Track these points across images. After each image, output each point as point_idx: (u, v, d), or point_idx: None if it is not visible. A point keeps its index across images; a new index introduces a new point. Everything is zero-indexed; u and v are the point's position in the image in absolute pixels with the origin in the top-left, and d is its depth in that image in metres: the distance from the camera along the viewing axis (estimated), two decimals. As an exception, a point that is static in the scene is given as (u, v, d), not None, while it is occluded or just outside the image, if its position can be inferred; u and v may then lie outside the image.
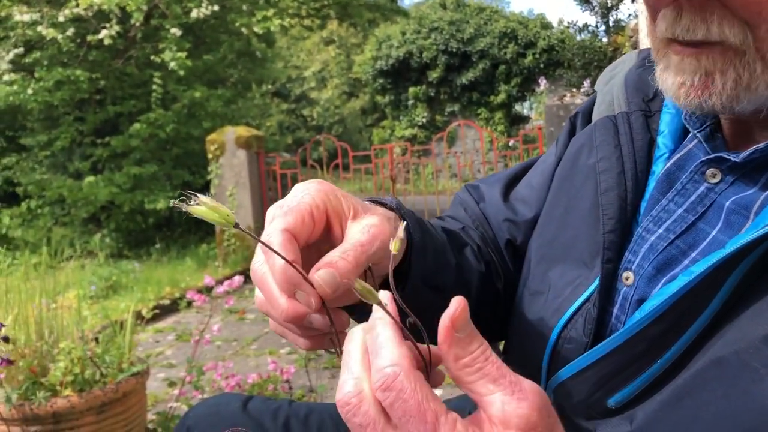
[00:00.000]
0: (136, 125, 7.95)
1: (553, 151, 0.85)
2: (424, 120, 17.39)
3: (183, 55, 7.35)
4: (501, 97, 16.67)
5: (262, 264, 0.55)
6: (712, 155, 0.60)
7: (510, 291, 0.82)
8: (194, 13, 7.70)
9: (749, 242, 0.50)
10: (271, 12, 8.29)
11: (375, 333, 0.45)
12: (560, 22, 16.93)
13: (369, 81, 18.48)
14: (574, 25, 11.90)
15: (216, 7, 7.85)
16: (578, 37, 12.46)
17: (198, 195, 0.51)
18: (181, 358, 4.35)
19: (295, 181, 8.24)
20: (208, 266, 7.22)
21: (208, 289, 2.98)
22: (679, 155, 0.64)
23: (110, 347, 2.66)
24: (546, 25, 17.03)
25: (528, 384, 0.43)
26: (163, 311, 5.45)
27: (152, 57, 7.79)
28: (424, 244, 0.68)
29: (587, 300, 0.65)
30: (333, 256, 0.54)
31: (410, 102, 17.59)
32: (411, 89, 17.43)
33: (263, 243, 0.52)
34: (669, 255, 0.61)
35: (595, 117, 0.76)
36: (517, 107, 17.38)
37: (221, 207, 0.50)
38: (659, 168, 0.67)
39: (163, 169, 8.32)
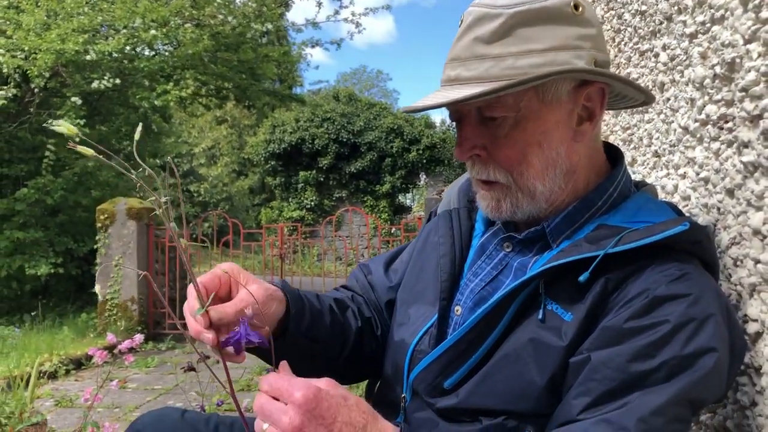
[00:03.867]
0: (24, 190, 7.81)
1: (418, 236, 1.30)
2: (313, 203, 17.87)
3: (81, 123, 7.43)
4: (386, 187, 17.54)
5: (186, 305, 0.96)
6: (506, 234, 1.05)
7: (387, 334, 1.23)
8: (95, 84, 7.83)
9: (514, 286, 0.92)
10: (170, 85, 8.55)
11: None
12: (443, 122, 18.32)
13: (260, 162, 18.81)
14: (455, 127, 13.07)
15: (117, 81, 8.04)
16: (458, 139, 13.64)
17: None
18: (61, 423, 4.32)
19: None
20: (87, 335, 7.08)
21: (111, 347, 3.14)
22: (488, 233, 1.09)
23: (9, 399, 2.78)
24: (430, 125, 18.29)
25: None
26: (40, 378, 5.34)
27: (49, 122, 7.79)
28: (302, 311, 1.07)
29: (431, 325, 1.06)
30: (225, 305, 0.93)
31: (300, 185, 18.05)
32: (302, 173, 17.93)
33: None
34: (482, 295, 1.02)
35: (439, 212, 1.21)
36: (401, 197, 18.30)
37: None
38: (476, 242, 1.11)
39: (47, 235, 8.15)
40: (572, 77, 0.93)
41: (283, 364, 0.89)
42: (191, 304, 0.92)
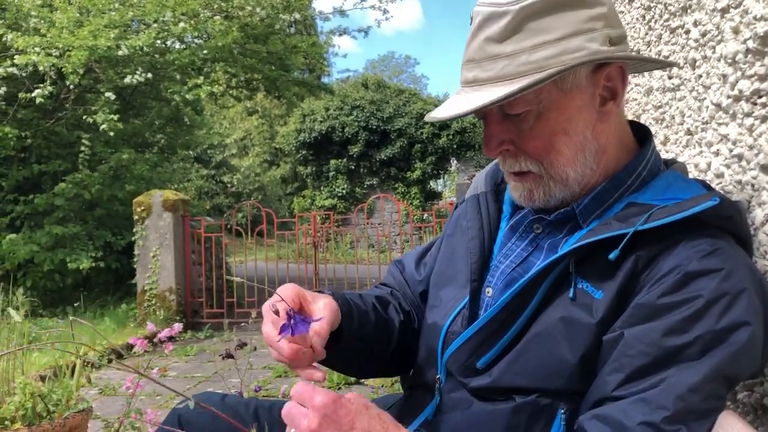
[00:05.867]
0: (62, 185, 7.99)
1: (447, 223, 1.32)
2: (344, 191, 17.94)
3: (115, 117, 7.57)
4: (417, 174, 17.51)
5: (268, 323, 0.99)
6: (536, 216, 1.05)
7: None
8: (128, 79, 7.95)
9: (545, 265, 0.93)
10: (201, 79, 8.65)
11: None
12: (473, 107, 18.16)
13: (291, 151, 18.91)
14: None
15: (149, 75, 8.15)
16: (488, 123, 13.55)
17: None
18: (105, 411, 4.46)
19: (219, 244, 8.45)
20: (127, 326, 7.26)
21: (151, 337, 3.22)
22: (518, 216, 1.09)
23: (56, 387, 2.87)
24: (460, 110, 18.14)
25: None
26: (84, 367, 5.50)
27: (84, 117, 7.96)
28: (350, 314, 1.11)
29: (463, 307, 1.07)
30: (321, 324, 0.97)
31: (331, 174, 18.12)
32: (332, 161, 18.00)
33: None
34: (512, 277, 1.03)
35: (467, 196, 1.22)
36: (432, 183, 18.25)
37: None
38: (504, 223, 1.11)
39: (86, 228, 8.34)
40: (589, 63, 0.93)
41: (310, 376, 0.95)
42: (275, 329, 0.96)
